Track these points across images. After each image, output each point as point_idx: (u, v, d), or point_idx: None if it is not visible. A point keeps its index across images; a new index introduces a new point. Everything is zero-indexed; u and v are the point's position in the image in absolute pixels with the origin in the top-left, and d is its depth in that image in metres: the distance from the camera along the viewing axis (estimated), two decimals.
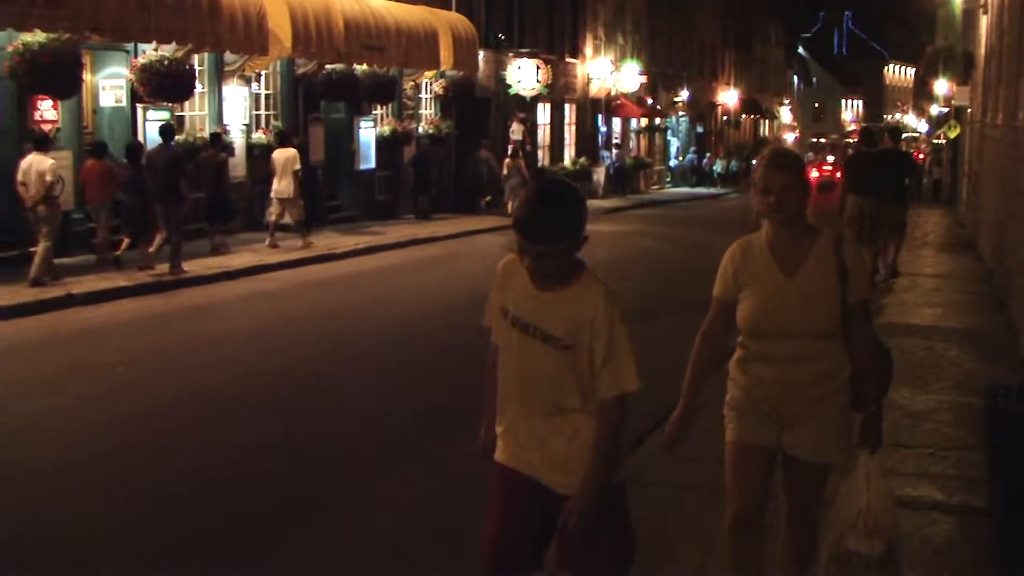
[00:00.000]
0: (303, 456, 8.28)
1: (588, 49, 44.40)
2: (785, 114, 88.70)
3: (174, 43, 20.02)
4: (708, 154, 60.94)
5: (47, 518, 6.87)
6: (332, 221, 25.77)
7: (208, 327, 14.45)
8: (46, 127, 18.55)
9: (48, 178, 16.17)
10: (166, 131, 18.76)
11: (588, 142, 44.12)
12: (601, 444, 4.06)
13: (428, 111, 31.92)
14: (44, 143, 16.85)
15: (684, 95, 56.40)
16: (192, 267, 18.17)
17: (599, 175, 43.55)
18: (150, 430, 8.98)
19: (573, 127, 43.63)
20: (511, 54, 36.44)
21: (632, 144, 50.88)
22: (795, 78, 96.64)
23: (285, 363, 11.76)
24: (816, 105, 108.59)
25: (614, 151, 46.90)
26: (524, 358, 4.14)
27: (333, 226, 25.04)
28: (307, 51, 23.90)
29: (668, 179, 55.71)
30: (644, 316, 14.56)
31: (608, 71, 44.91)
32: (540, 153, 39.93)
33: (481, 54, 32.66)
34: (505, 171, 31.49)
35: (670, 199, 46.96)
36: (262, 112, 25.13)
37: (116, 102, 21.18)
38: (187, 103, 21.96)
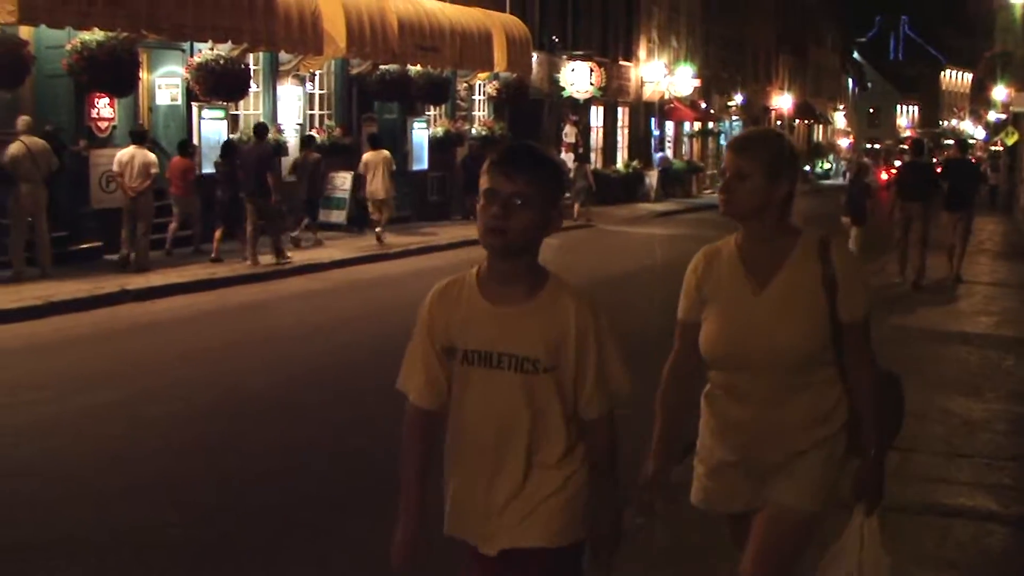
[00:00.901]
0: (355, 459, 8.26)
1: (642, 52, 44.29)
2: (839, 119, 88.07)
3: (230, 42, 20.17)
4: None
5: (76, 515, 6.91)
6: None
7: (263, 323, 14.51)
8: (102, 124, 18.80)
9: (153, 171, 17.48)
10: (260, 130, 19.92)
11: (641, 145, 43.99)
12: (607, 463, 3.31)
13: (481, 112, 31.94)
14: (142, 137, 18.07)
15: (738, 99, 56.12)
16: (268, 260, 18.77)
17: (651, 178, 43.40)
18: (198, 429, 9.02)
19: (626, 130, 43.53)
20: (564, 56, 36.40)
21: (685, 148, 50.68)
22: (850, 83, 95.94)
23: (338, 361, 11.79)
24: (871, 110, 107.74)
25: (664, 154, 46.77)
26: (492, 400, 3.22)
27: (387, 226, 25.07)
28: (361, 51, 23.98)
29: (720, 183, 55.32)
30: None
31: (662, 74, 44.78)
32: (592, 156, 39.83)
33: (535, 56, 32.63)
34: (572, 174, 31.57)
35: None
36: (316, 112, 25.24)
37: (172, 100, 21.36)
38: (242, 102, 22.11)
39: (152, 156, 17.74)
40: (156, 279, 16.67)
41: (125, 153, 17.51)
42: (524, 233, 3.11)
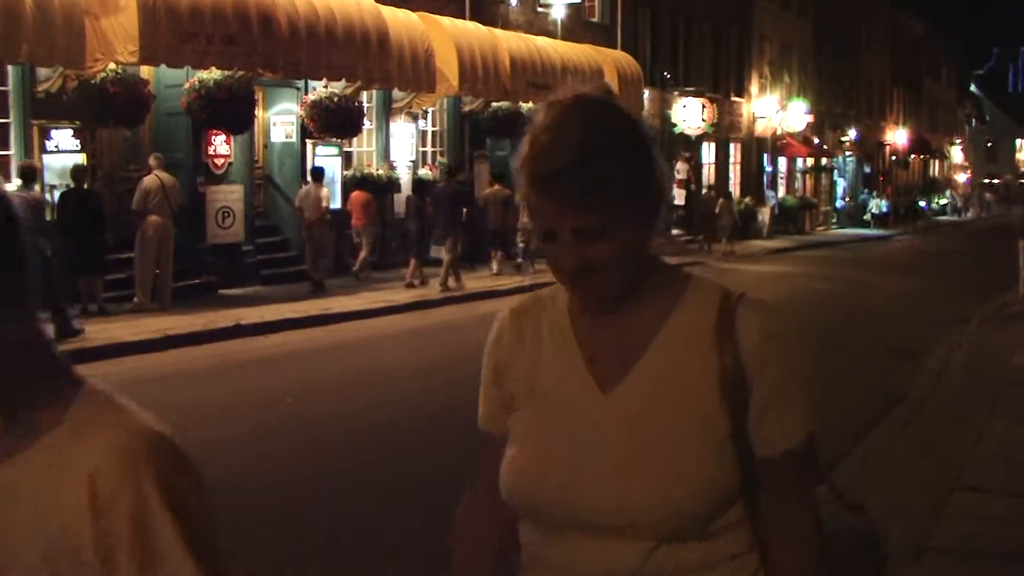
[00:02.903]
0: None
1: (754, 88, 43.93)
2: (956, 154, 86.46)
3: (344, 80, 20.35)
4: (869, 192, 58.83)
5: None
6: (472, 262, 25.56)
7: (374, 360, 14.51)
8: (219, 161, 19.09)
9: (324, 204, 19.44)
10: (451, 170, 22.08)
11: (753, 181, 43.55)
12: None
13: None
14: (320, 174, 19.94)
15: (851, 134, 55.36)
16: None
17: (764, 215, 42.92)
18: (313, 469, 8.98)
19: (738, 166, 43.16)
20: (676, 92, 36.22)
21: (798, 184, 50.07)
22: (967, 116, 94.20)
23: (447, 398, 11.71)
24: (989, 144, 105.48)
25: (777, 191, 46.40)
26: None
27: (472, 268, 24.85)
28: (473, 88, 24.06)
29: (835, 220, 54.53)
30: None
31: (774, 110, 44.38)
32: (704, 193, 39.55)
33: (646, 92, 32.49)
34: (717, 210, 33.06)
35: (836, 240, 46.01)
36: (428, 148, 25.37)
37: (286, 137, 21.61)
38: (355, 139, 22.29)
39: (325, 191, 19.72)
40: (334, 304, 17.99)
41: (303, 190, 19.68)
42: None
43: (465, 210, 21.12)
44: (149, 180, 16.63)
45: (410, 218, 21.41)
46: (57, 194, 16.18)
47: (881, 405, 11.44)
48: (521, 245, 24.05)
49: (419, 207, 21.20)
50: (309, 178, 20.25)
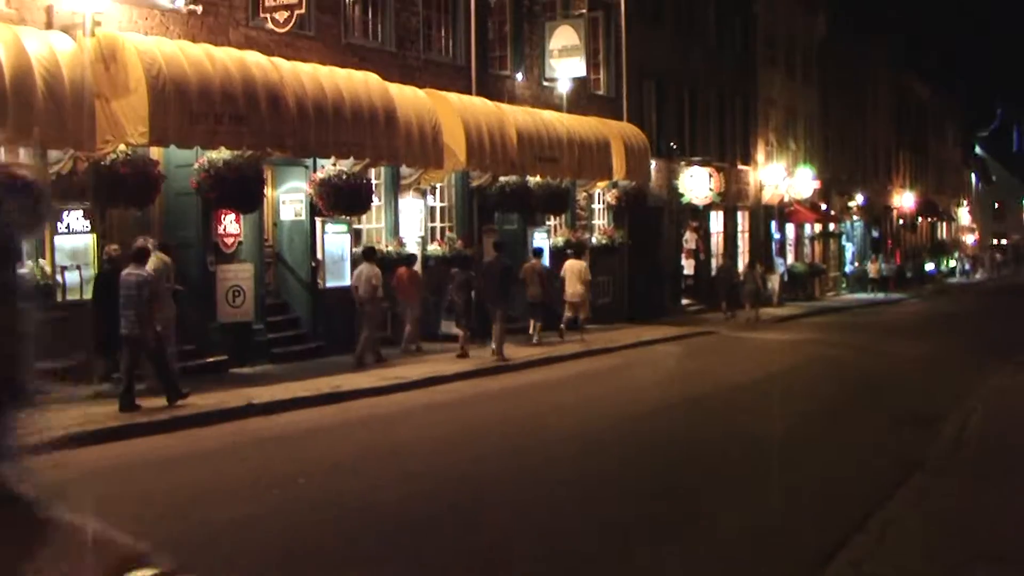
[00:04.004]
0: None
1: (760, 155, 44.11)
2: (964, 215, 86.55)
3: (352, 157, 20.45)
4: (868, 254, 57.96)
5: None
6: (510, 331, 25.75)
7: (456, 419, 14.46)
8: (229, 240, 19.14)
9: (374, 282, 20.25)
10: (500, 245, 23.75)
11: (762, 249, 43.60)
12: None
13: (601, 220, 31.95)
14: (372, 254, 20.81)
15: (859, 199, 55.46)
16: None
17: (773, 282, 42.92)
18: (328, 548, 8.93)
19: (746, 234, 43.21)
20: (683, 162, 36.36)
21: (807, 250, 50.09)
22: (973, 177, 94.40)
23: (473, 472, 11.66)
24: (996, 205, 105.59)
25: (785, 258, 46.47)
26: None
27: (510, 336, 25.05)
28: (481, 163, 24.17)
29: (844, 285, 54.44)
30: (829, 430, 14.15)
31: (781, 177, 44.55)
32: (713, 261, 39.61)
33: (653, 163, 32.63)
34: (742, 277, 34.76)
35: (846, 305, 45.94)
36: (437, 224, 25.44)
37: (296, 215, 21.67)
38: (364, 216, 22.35)
39: (377, 270, 20.51)
40: (363, 380, 18.24)
41: (357, 270, 20.62)
42: None
43: (513, 286, 23.09)
44: (154, 262, 16.39)
45: (456, 290, 22.19)
46: (68, 275, 16.23)
47: (897, 474, 11.37)
48: (569, 315, 25.99)
49: (466, 280, 22.17)
50: (361, 258, 21.05)
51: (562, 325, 25.78)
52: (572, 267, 26.30)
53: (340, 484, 11.20)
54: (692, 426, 14.93)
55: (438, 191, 25.43)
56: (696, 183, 36.21)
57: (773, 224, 45.35)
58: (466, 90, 25.51)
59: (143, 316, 14.66)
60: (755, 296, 34.91)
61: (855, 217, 56.41)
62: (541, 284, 24.93)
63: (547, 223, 28.95)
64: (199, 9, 19.21)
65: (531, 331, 24.76)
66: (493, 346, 21.82)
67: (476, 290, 22.33)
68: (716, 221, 40.51)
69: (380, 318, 21.18)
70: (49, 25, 16.67)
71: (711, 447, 13.48)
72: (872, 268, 53.36)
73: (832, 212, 51.40)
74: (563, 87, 29.24)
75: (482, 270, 22.87)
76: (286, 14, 19.68)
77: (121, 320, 14.72)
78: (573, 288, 25.96)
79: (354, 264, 21.49)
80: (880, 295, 50.67)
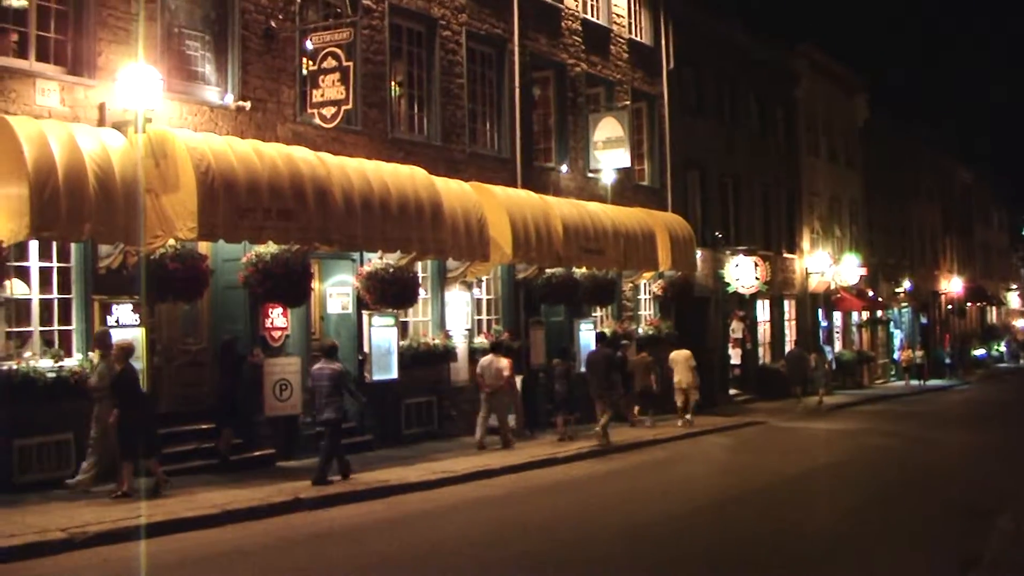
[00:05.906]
0: None
1: (805, 243, 44.00)
2: (1013, 299, 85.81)
3: (399, 251, 20.49)
4: (905, 343, 56.88)
5: None
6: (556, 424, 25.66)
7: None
8: (276, 334, 19.20)
9: (506, 373, 21.98)
10: (602, 337, 26.37)
11: (809, 337, 43.27)
12: None
13: (647, 312, 31.86)
14: (499, 347, 22.57)
15: (906, 285, 55.10)
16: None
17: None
18: None
19: (793, 322, 42.95)
20: (728, 252, 36.27)
21: (854, 338, 49.70)
22: (1022, 261, 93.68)
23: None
24: None
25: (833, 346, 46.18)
26: None
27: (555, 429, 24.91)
28: (527, 256, 24.16)
29: (893, 372, 53.87)
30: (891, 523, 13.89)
31: (827, 264, 44.42)
32: (761, 351, 39.37)
33: (698, 253, 32.55)
34: (813, 364, 35.99)
35: (896, 394, 45.42)
36: (483, 316, 25.42)
37: (343, 309, 21.71)
38: (411, 309, 22.36)
39: (504, 361, 22.09)
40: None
41: (484, 360, 22.27)
42: None
43: (618, 374, 24.77)
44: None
45: (557, 379, 23.88)
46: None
47: (955, 570, 11.14)
48: (680, 404, 27.61)
49: (565, 370, 23.89)
50: (489, 350, 22.73)
51: (687, 415, 27.60)
52: (679, 356, 27.99)
53: None
54: (743, 520, 14.69)
55: (484, 284, 25.43)
56: (742, 272, 36.08)
57: (820, 312, 45.07)
58: (511, 182, 25.62)
59: (337, 404, 17.40)
60: (826, 380, 36.50)
61: (903, 303, 56.00)
62: (646, 375, 27.11)
63: (593, 314, 28.87)
64: (247, 106, 19.45)
65: (647, 419, 26.95)
66: (598, 429, 22.92)
67: (585, 380, 24.03)
68: (763, 310, 40.31)
69: (513, 405, 23.04)
70: (101, 122, 16.92)
71: (760, 546, 13.23)
72: (903, 356, 52.71)
73: (879, 299, 51.03)
74: (607, 178, 29.31)
75: (589, 361, 24.40)
76: (333, 110, 19.86)
77: (324, 408, 17.37)
78: (683, 376, 27.59)
79: (401, 359, 21.38)
80: (914, 382, 49.98)
